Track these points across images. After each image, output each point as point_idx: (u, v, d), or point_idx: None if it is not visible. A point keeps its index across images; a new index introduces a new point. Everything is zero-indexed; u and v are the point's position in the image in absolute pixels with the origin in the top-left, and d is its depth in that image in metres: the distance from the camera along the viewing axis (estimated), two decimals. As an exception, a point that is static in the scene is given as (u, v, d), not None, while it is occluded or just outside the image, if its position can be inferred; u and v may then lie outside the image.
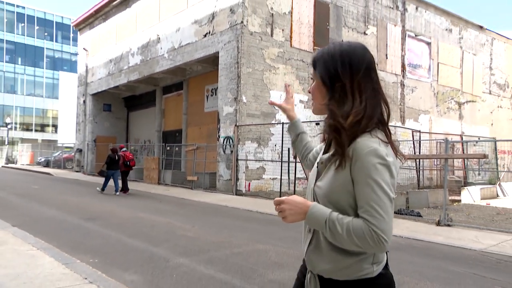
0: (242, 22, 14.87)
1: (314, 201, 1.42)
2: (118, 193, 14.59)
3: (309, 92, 1.55)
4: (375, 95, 1.41)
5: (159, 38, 19.77)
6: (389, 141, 1.38)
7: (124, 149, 16.01)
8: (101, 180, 15.48)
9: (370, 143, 1.32)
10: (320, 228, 1.34)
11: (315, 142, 1.80)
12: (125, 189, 15.05)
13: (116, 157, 15.10)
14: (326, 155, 1.44)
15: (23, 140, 54.28)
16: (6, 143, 47.67)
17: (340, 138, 1.35)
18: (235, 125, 14.73)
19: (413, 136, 16.20)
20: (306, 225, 1.49)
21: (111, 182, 14.89)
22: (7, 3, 60.51)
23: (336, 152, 1.36)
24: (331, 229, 1.30)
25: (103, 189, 14.77)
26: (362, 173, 1.29)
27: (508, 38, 27.32)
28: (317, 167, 1.49)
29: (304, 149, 1.81)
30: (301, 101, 16.12)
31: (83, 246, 6.25)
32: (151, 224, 8.42)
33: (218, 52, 15.94)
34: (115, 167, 14.99)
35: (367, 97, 1.38)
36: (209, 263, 5.39)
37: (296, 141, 1.84)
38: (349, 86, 1.38)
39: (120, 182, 15.03)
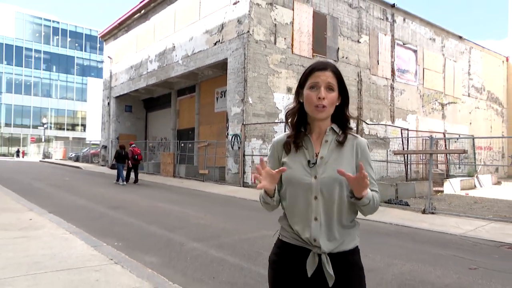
0: (248, 31, 14.82)
1: (319, 191, 1.52)
2: (124, 183, 15.08)
3: (323, 98, 1.53)
4: None
5: (174, 46, 19.77)
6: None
7: (133, 145, 16.50)
8: (113, 171, 15.90)
9: (363, 139, 1.64)
10: (367, 200, 1.47)
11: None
12: (135, 179, 15.69)
13: (123, 152, 15.63)
14: (324, 151, 1.58)
15: (57, 138, 54.72)
16: (43, 140, 48.12)
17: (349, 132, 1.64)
18: (242, 124, 14.71)
19: (401, 133, 16.16)
20: (311, 216, 1.52)
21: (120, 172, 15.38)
22: (44, 19, 62.10)
23: (344, 142, 1.59)
24: (371, 200, 1.49)
25: (123, 181, 15.20)
26: (367, 159, 1.59)
27: (484, 47, 27.36)
28: (315, 163, 1.56)
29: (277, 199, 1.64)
30: (301, 103, 16.05)
31: (109, 232, 6.27)
32: (167, 213, 8.43)
33: (227, 59, 15.91)
34: (122, 161, 15.49)
35: None
36: (220, 248, 5.37)
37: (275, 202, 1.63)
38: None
39: (124, 173, 15.53)
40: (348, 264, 1.53)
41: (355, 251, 1.57)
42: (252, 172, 14.59)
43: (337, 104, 1.59)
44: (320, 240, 1.50)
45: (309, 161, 1.56)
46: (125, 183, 15.18)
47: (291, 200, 1.58)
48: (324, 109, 1.54)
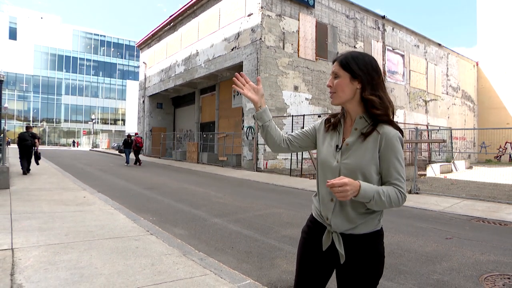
0: (260, 38, 14.65)
1: (338, 175, 1.37)
2: (128, 164, 16.55)
3: (329, 87, 1.43)
4: (387, 93, 1.44)
5: (198, 52, 19.69)
6: (397, 126, 1.40)
7: (137, 135, 17.64)
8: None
9: (393, 129, 1.36)
10: (366, 199, 1.29)
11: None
12: (139, 162, 16.87)
13: (130, 140, 17.04)
14: (351, 139, 1.40)
15: (103, 131, 55.77)
16: (92, 133, 48.95)
17: (380, 121, 1.38)
18: (255, 118, 14.61)
19: (391, 126, 15.92)
20: (328, 197, 1.42)
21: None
22: (94, 34, 63.82)
23: (370, 132, 1.36)
24: (376, 199, 1.28)
25: (127, 162, 16.66)
26: (392, 151, 1.33)
27: (458, 53, 27.24)
28: (340, 148, 1.42)
29: (277, 134, 1.56)
30: (306, 99, 15.92)
31: (145, 208, 6.32)
32: (193, 193, 8.43)
33: (242, 62, 15.79)
34: (129, 147, 16.91)
35: (386, 94, 1.42)
36: (237, 222, 5.37)
37: (267, 126, 1.54)
38: (378, 84, 1.41)
39: (132, 156, 17.27)
40: (363, 247, 1.37)
41: (373, 236, 1.38)
42: (264, 159, 14.56)
43: (358, 88, 1.40)
44: (332, 219, 1.40)
45: (337, 146, 1.43)
46: (129, 163, 16.54)
47: (318, 179, 1.49)
48: (333, 95, 1.43)
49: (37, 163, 10.88)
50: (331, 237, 1.41)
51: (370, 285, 1.38)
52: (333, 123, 1.49)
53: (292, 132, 1.70)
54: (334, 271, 1.48)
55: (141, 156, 24.46)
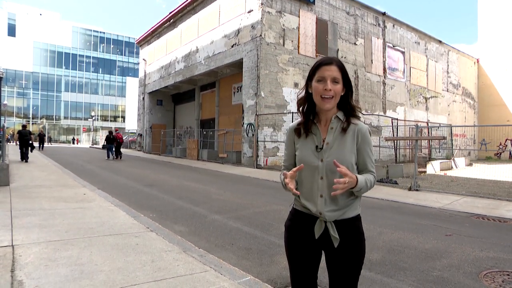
0: (261, 35, 14.61)
1: (325, 172, 1.51)
2: (111, 159, 17.62)
3: (330, 90, 1.50)
4: None
5: (198, 49, 19.64)
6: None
7: (117, 131, 18.58)
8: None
9: (363, 123, 1.57)
10: (359, 188, 1.45)
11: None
12: (119, 156, 18.07)
13: (111, 136, 17.99)
14: (330, 138, 1.55)
15: (102, 128, 55.64)
16: (91, 130, 48.94)
17: (352, 118, 1.59)
18: (256, 114, 14.61)
19: (392, 123, 15.91)
20: (317, 193, 1.53)
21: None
22: (93, 30, 64.00)
23: (347, 129, 1.54)
24: (364, 186, 1.47)
25: (113, 157, 17.76)
26: (367, 145, 1.55)
27: (459, 50, 27.15)
28: (322, 148, 1.54)
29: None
30: (305, 97, 15.90)
31: (145, 205, 6.33)
32: (193, 190, 8.43)
33: (242, 59, 15.74)
34: (111, 142, 17.90)
35: None
36: (237, 219, 5.37)
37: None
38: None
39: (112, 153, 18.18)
40: (350, 229, 1.53)
41: (357, 218, 1.57)
42: (264, 156, 14.56)
43: (342, 94, 1.56)
44: (325, 213, 1.51)
45: (316, 146, 1.55)
46: (114, 158, 17.41)
47: (301, 179, 1.58)
48: (330, 100, 1.52)
49: (31, 151, 14.59)
50: (323, 225, 1.53)
51: (360, 263, 1.54)
52: (306, 128, 1.59)
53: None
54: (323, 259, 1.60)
55: (141, 153, 24.60)
